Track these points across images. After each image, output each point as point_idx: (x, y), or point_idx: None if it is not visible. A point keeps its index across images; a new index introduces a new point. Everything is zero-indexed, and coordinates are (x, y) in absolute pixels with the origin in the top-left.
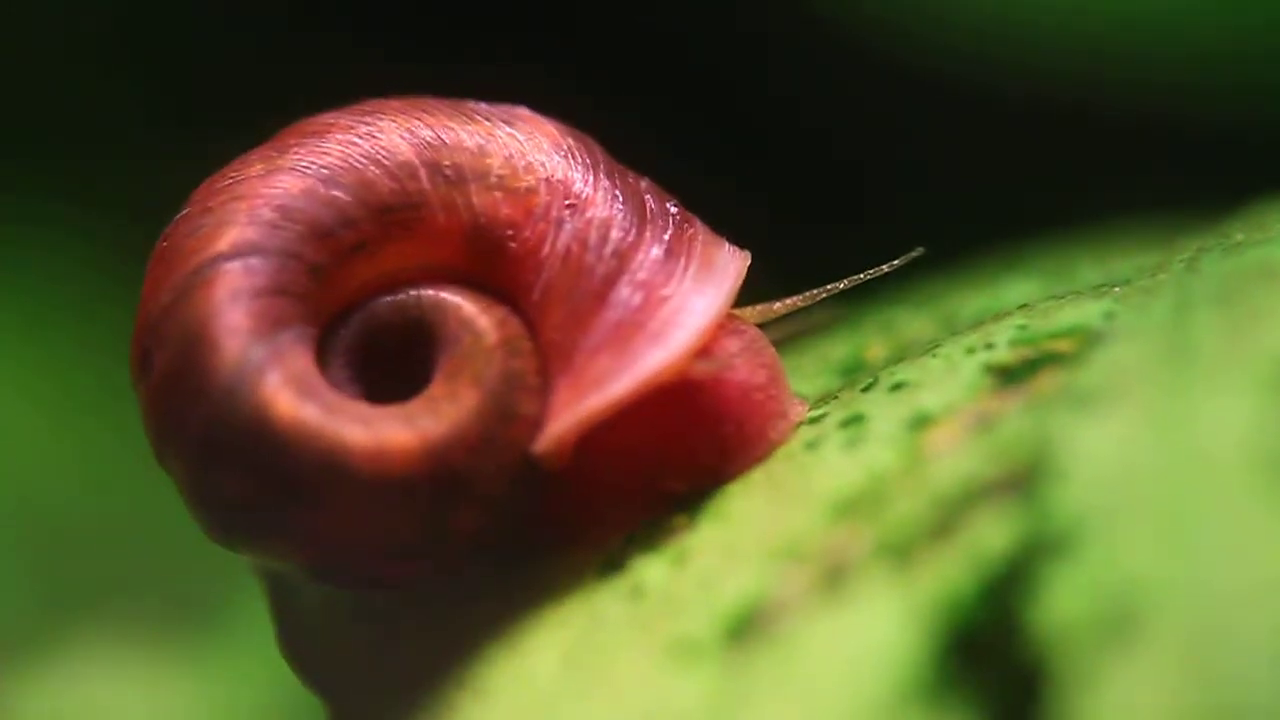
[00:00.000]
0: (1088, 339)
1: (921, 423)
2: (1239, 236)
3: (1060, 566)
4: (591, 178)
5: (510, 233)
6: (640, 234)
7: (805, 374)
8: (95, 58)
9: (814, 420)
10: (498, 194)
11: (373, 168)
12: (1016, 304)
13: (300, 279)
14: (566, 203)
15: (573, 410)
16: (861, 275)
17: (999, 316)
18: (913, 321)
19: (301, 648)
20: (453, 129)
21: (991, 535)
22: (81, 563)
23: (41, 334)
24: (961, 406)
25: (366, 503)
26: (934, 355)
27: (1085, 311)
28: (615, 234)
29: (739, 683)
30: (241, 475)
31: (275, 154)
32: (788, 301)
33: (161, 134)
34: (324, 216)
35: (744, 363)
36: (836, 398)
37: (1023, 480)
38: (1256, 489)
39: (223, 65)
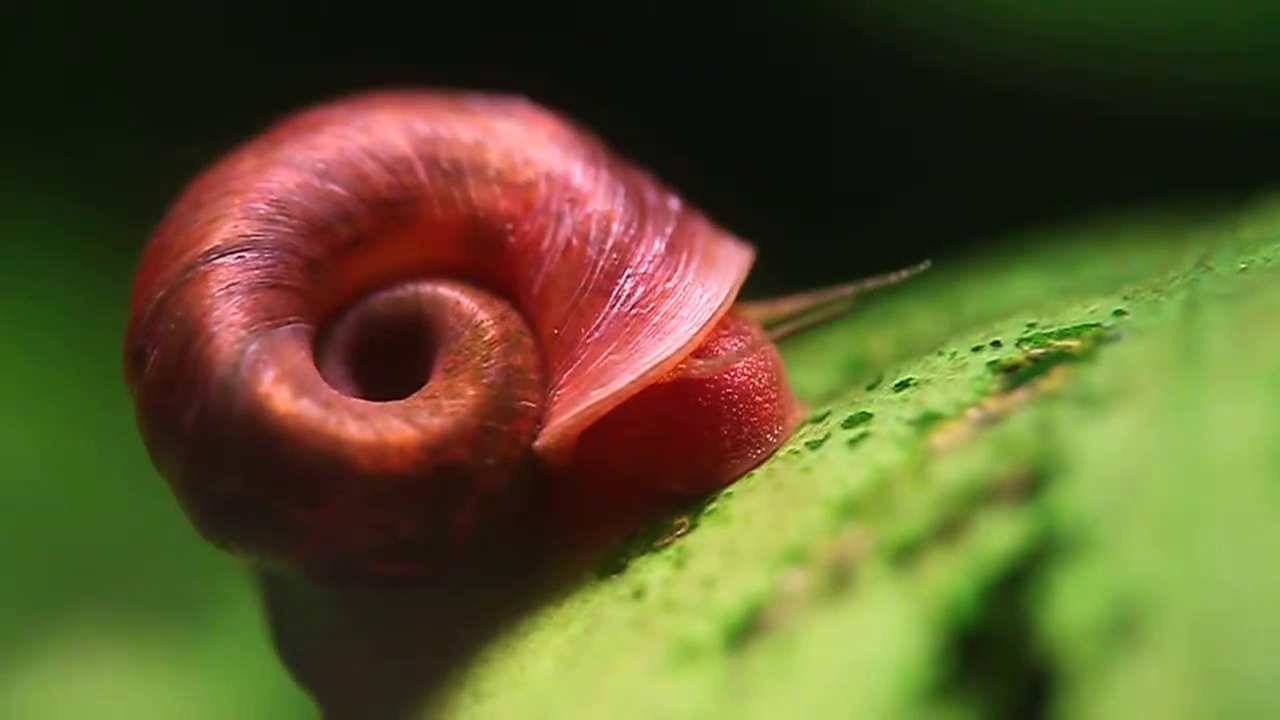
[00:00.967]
0: (1097, 338)
1: (927, 422)
2: (1249, 233)
3: (1068, 568)
4: (592, 171)
5: (509, 226)
6: (642, 228)
7: (808, 368)
8: (90, 52)
9: (818, 419)
10: (496, 188)
11: (369, 161)
12: (1022, 297)
13: (296, 274)
14: (566, 196)
15: (575, 404)
16: (867, 283)
17: (1006, 314)
18: (917, 315)
19: (294, 646)
20: (449, 123)
21: (998, 536)
22: (70, 559)
23: (32, 330)
24: (968, 405)
25: (366, 499)
26: (940, 353)
27: (1095, 310)
28: (616, 228)
29: (740, 685)
30: (237, 472)
31: (269, 148)
32: (794, 301)
33: (157, 128)
34: (320, 211)
35: (744, 364)
36: (841, 396)
37: (1030, 481)
38: (1266, 490)
39: (220, 60)
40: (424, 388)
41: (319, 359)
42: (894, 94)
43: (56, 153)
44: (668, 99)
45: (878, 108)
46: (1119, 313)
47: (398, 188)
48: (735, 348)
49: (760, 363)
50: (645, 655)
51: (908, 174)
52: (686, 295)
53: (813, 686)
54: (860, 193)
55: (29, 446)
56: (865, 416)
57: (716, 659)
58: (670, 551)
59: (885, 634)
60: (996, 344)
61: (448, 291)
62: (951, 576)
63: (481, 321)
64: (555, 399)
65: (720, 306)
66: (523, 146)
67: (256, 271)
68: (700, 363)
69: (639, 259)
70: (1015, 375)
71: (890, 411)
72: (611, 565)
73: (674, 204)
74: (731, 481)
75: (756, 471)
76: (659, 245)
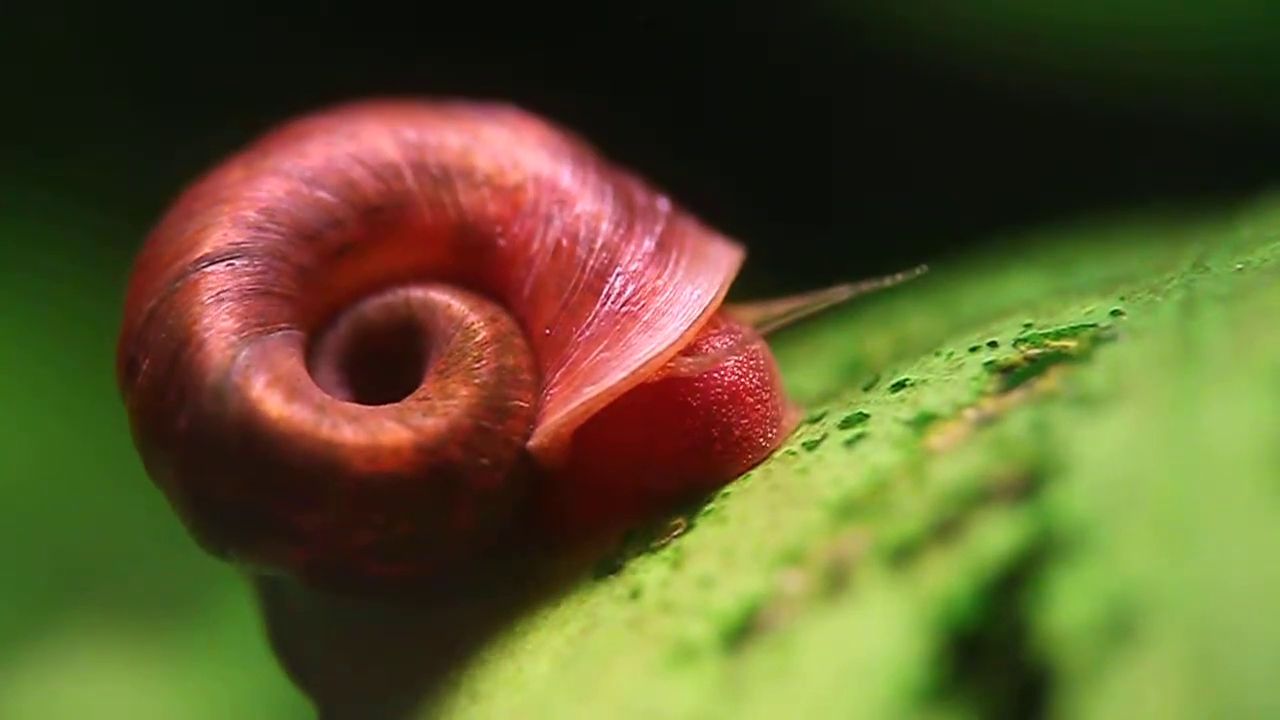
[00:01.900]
0: (1094, 338)
1: (924, 422)
2: (1246, 233)
3: (1065, 568)
4: (580, 173)
5: (499, 229)
6: (631, 228)
7: (804, 369)
8: (89, 53)
9: (814, 419)
10: (485, 191)
11: (357, 168)
12: (1019, 298)
13: (286, 281)
14: (555, 198)
15: (568, 402)
16: (863, 285)
17: (1003, 314)
18: (914, 315)
19: (291, 645)
20: (437, 129)
21: (995, 537)
22: (68, 560)
23: (30, 330)
24: (965, 406)
25: (361, 501)
26: (937, 353)
27: (1091, 310)
28: (605, 227)
29: (737, 686)
30: (232, 477)
31: (258, 157)
32: (789, 303)
33: (157, 128)
34: (309, 218)
35: (734, 364)
36: (837, 396)
37: (1027, 481)
38: (1264, 489)
39: (219, 60)
40: (417, 390)
41: (311, 365)
42: (894, 94)
43: (56, 153)
44: (668, 99)
45: (878, 108)
46: (1116, 313)
47: (386, 194)
48: (724, 346)
49: (751, 363)
50: (642, 656)
51: (906, 174)
52: (677, 292)
53: (810, 687)
54: (859, 193)
55: (27, 446)
56: (862, 417)
57: (713, 659)
58: (667, 552)
59: (882, 635)
60: (993, 344)
61: (438, 295)
62: (948, 577)
63: (473, 324)
64: (548, 398)
65: (711, 302)
66: (510, 150)
67: (247, 279)
68: (688, 360)
69: (629, 258)
70: (1012, 376)
71: (887, 412)
72: (608, 566)
73: (663, 205)
74: (727, 482)
75: (753, 472)
76: (648, 244)
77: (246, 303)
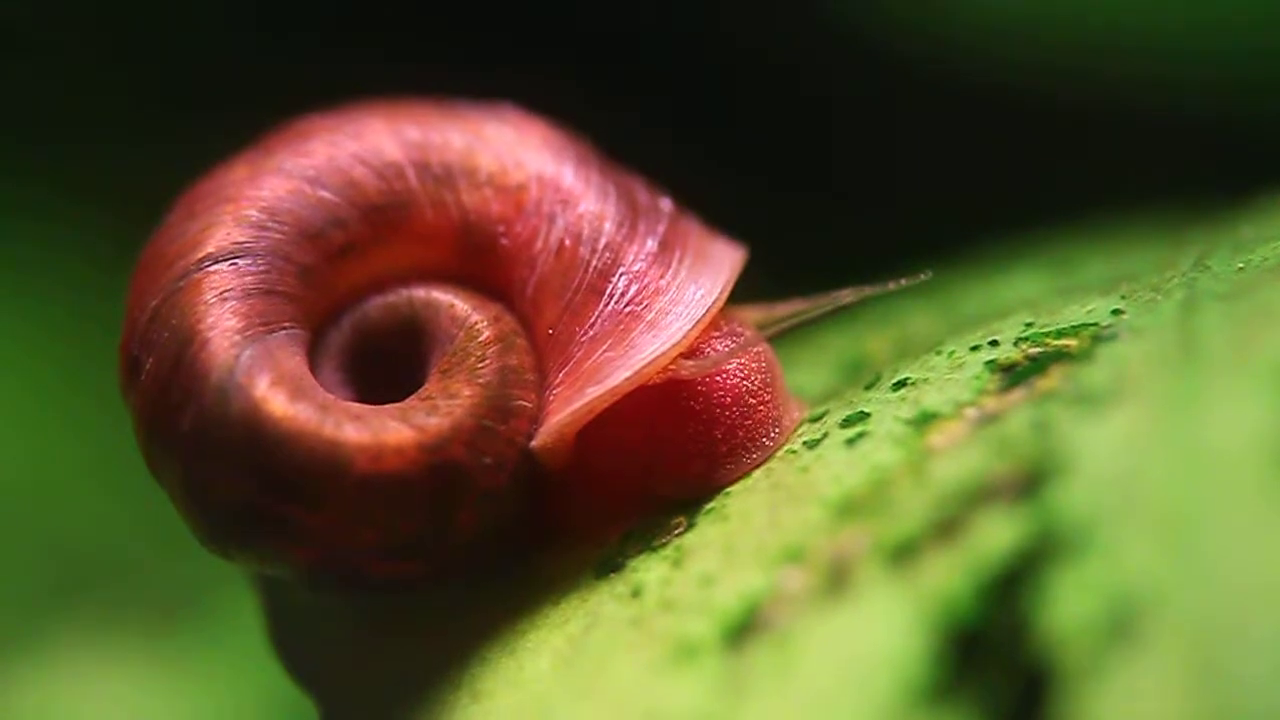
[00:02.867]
0: (1095, 337)
1: (925, 421)
2: (1247, 232)
3: (1066, 567)
4: (583, 173)
5: (501, 229)
6: (634, 227)
7: (806, 368)
8: (90, 51)
9: (815, 418)
10: (487, 191)
11: (360, 168)
12: (1020, 297)
13: (290, 280)
14: (558, 198)
15: (571, 402)
16: (865, 289)
17: (1004, 313)
18: (915, 314)
19: (293, 646)
20: (440, 128)
21: (996, 535)
22: (68, 560)
23: (31, 330)
24: (966, 404)
25: (364, 500)
26: (938, 352)
27: (1092, 309)
28: (608, 227)
29: (738, 684)
30: (235, 477)
31: (261, 157)
32: (793, 305)
33: (157, 128)
34: (312, 217)
35: (737, 365)
36: (838, 395)
37: (1028, 480)
38: (1265, 488)
39: (220, 60)
40: (420, 390)
41: (315, 365)
42: (894, 94)
43: (58, 152)
44: (668, 99)
45: (878, 108)
46: (1117, 312)
47: (389, 193)
48: (726, 348)
49: (754, 364)
50: (643, 654)
51: (906, 174)
52: (680, 292)
53: (810, 685)
54: (859, 193)
55: (28, 446)
56: (863, 416)
57: (714, 657)
58: (668, 550)
59: (883, 633)
60: (994, 343)
61: (441, 295)
62: (949, 575)
63: (476, 324)
64: (551, 398)
65: (714, 302)
66: (513, 150)
67: (250, 278)
68: (690, 363)
69: (632, 257)
70: (1013, 374)
71: (888, 411)
72: (609, 564)
73: (666, 205)
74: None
75: (754, 470)
76: (651, 244)
77: (250, 302)
